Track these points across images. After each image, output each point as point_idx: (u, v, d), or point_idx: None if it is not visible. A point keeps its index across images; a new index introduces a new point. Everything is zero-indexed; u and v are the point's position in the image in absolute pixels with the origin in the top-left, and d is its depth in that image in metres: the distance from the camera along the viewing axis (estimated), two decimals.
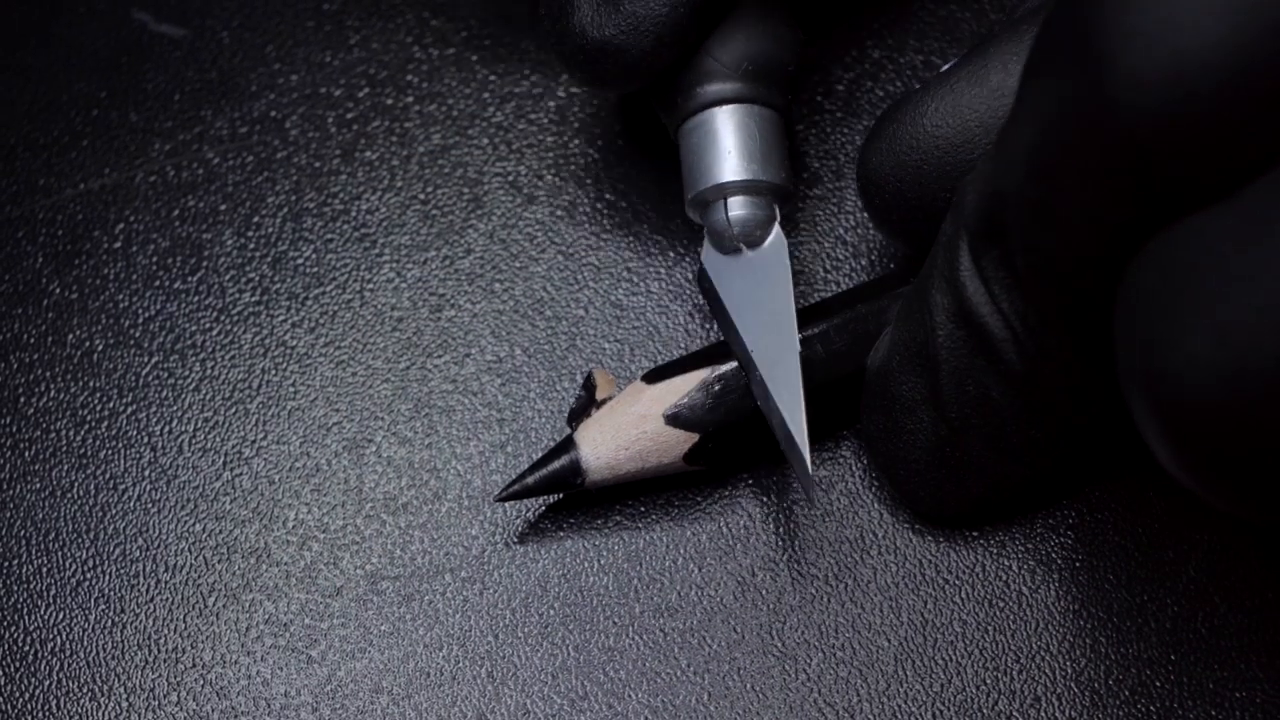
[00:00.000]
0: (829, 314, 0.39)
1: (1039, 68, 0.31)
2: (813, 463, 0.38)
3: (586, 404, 0.39)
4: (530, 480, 0.38)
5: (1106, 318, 0.31)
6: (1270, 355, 0.27)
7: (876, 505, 0.39)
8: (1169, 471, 0.29)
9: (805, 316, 0.39)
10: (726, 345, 0.39)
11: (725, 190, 0.39)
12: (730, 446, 0.39)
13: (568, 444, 0.38)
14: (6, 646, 0.39)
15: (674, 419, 0.38)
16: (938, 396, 0.36)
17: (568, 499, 0.39)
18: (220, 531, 0.40)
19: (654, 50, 0.38)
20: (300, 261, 0.42)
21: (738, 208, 0.39)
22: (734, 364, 0.38)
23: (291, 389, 0.41)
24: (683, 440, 0.38)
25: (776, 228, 0.39)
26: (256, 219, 0.43)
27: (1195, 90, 0.28)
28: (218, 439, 0.41)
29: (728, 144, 0.39)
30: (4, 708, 0.38)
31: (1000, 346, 0.34)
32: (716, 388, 0.38)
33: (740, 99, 0.39)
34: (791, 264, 0.39)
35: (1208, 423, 0.28)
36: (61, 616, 0.39)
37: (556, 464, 0.38)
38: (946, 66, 0.38)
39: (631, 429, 0.38)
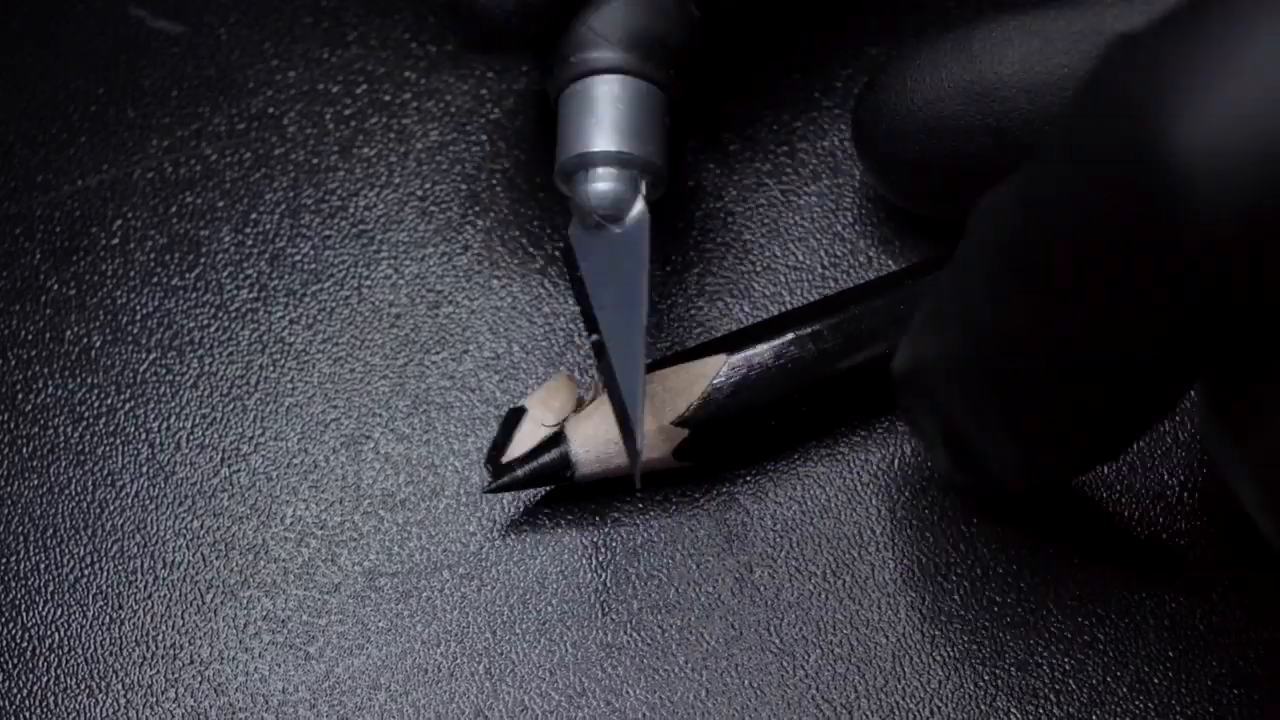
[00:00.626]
0: (824, 314, 0.39)
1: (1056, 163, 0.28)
2: (641, 447, 0.37)
3: (502, 444, 0.39)
4: (520, 472, 0.38)
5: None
6: None
7: (875, 502, 0.39)
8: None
9: (800, 316, 0.39)
10: (721, 343, 0.39)
11: (589, 160, 0.38)
12: (720, 443, 0.39)
13: (559, 438, 0.38)
14: (4, 643, 0.39)
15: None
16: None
17: (563, 493, 0.39)
18: (218, 528, 0.40)
19: (518, 12, 0.38)
20: (298, 258, 0.42)
21: (600, 179, 0.38)
22: (724, 360, 0.38)
23: (289, 385, 0.41)
24: (673, 436, 0.38)
25: (640, 203, 0.38)
26: (254, 215, 0.43)
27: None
28: (215, 435, 0.41)
29: (597, 114, 0.38)
30: (2, 704, 0.38)
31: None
32: (709, 383, 0.38)
33: (618, 70, 0.38)
34: (652, 242, 0.38)
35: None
36: (59, 613, 0.39)
37: (546, 457, 0.38)
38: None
39: None
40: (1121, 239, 0.26)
